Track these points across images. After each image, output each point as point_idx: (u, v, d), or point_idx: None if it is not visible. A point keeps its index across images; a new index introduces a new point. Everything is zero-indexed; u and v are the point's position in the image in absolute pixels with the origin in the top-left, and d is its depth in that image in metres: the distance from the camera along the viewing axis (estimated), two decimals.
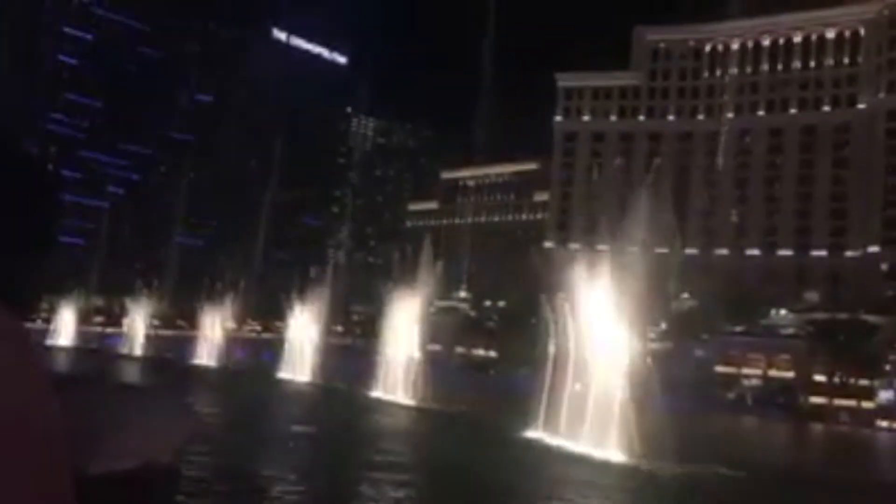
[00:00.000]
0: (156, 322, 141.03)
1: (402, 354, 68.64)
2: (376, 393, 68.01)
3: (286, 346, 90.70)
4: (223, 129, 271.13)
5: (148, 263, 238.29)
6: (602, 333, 45.67)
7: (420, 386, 65.60)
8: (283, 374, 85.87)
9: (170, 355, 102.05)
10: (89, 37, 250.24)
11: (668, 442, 37.84)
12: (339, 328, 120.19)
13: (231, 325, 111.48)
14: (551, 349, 48.08)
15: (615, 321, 45.26)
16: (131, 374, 74.61)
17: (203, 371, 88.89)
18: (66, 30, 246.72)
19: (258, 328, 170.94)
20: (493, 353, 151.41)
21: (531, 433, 45.92)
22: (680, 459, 38.14)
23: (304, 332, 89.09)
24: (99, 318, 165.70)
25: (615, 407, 43.36)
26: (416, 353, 68.26)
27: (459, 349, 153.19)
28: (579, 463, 39.18)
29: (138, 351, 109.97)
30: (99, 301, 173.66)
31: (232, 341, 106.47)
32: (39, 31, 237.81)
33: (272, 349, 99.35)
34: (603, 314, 45.64)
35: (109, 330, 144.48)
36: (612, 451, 42.09)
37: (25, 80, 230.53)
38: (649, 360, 47.34)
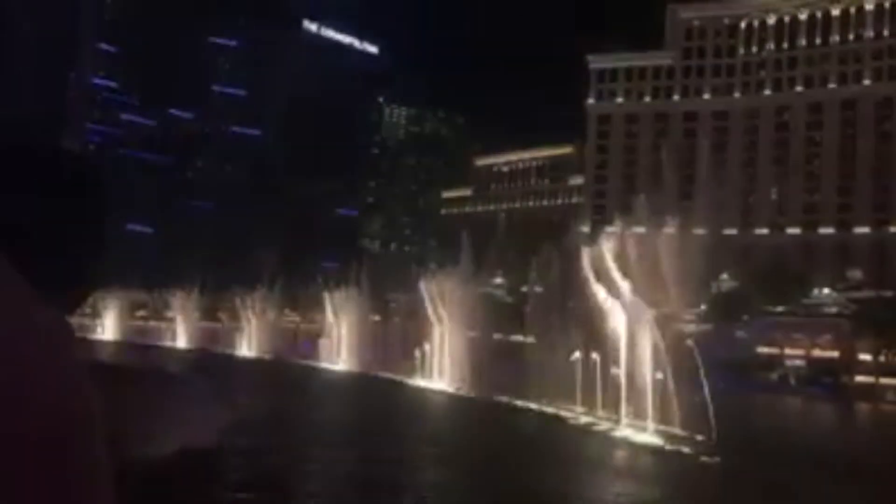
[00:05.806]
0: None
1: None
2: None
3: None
4: (256, 123, 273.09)
5: (182, 257, 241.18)
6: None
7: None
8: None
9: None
10: (122, 36, 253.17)
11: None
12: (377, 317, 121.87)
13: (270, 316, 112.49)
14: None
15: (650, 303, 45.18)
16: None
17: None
18: (101, 30, 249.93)
19: (297, 319, 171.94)
20: (531, 339, 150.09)
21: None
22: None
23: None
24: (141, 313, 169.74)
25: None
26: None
27: (497, 335, 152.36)
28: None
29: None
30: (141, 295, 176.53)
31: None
32: (74, 30, 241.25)
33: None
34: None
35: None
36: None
37: (63, 78, 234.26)
38: (690, 341, 46.98)
